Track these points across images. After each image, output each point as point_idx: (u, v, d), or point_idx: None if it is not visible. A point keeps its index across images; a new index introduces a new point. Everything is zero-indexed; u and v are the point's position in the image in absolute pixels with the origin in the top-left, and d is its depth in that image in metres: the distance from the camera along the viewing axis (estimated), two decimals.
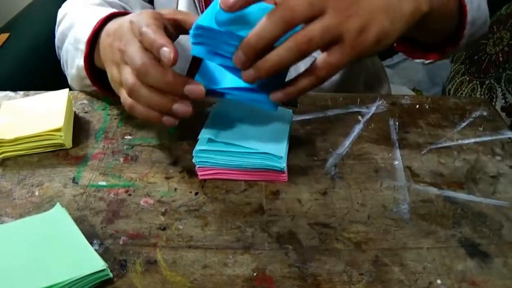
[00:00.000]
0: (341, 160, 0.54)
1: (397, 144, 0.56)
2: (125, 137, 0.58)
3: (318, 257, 0.44)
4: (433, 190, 0.50)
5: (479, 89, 1.29)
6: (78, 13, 0.66)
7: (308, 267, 0.43)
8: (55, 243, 0.43)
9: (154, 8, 0.77)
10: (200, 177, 0.52)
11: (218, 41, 0.43)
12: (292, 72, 0.47)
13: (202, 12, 0.73)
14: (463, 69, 1.38)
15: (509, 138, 0.57)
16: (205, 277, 0.42)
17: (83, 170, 0.53)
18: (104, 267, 0.40)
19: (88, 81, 0.61)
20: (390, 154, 0.55)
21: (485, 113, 0.61)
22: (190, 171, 0.52)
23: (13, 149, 0.54)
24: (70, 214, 0.46)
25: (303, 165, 0.53)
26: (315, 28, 0.41)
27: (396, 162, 0.54)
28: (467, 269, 0.42)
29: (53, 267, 0.40)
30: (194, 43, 0.44)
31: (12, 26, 1.10)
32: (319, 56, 0.43)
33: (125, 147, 0.57)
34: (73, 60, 0.62)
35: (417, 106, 0.63)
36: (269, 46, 0.41)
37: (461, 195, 0.50)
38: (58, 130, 0.54)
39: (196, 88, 0.45)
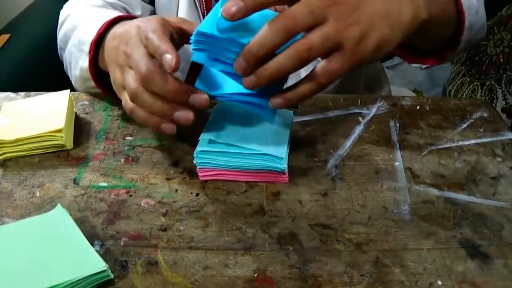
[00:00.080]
0: (341, 161, 0.54)
1: (397, 145, 0.56)
2: (126, 138, 0.58)
3: (318, 258, 0.44)
4: (434, 191, 0.50)
5: (479, 90, 1.29)
6: (81, 14, 0.66)
7: (308, 268, 0.43)
8: (56, 244, 0.43)
9: (154, 9, 0.78)
10: (201, 178, 0.52)
11: (219, 47, 0.43)
12: (294, 78, 0.47)
13: (202, 13, 0.73)
14: (464, 70, 1.38)
15: (510, 139, 0.57)
16: (206, 278, 0.42)
17: (84, 171, 0.53)
18: (105, 268, 0.40)
19: (91, 83, 0.61)
20: (391, 155, 0.55)
21: (485, 114, 0.61)
22: (191, 172, 0.53)
23: (14, 150, 0.55)
24: (71, 215, 0.46)
25: (304, 166, 0.53)
26: (316, 37, 0.41)
27: (397, 163, 0.54)
28: (467, 270, 0.42)
29: (54, 268, 0.40)
30: (195, 49, 0.44)
31: (12, 27, 1.10)
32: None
33: (126, 148, 0.57)
34: (76, 61, 0.62)
35: (418, 107, 0.63)
36: (270, 53, 0.42)
37: (461, 196, 0.50)
38: (59, 131, 0.54)
39: (200, 97, 0.46)
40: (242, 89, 0.45)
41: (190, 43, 0.44)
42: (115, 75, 0.51)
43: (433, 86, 1.49)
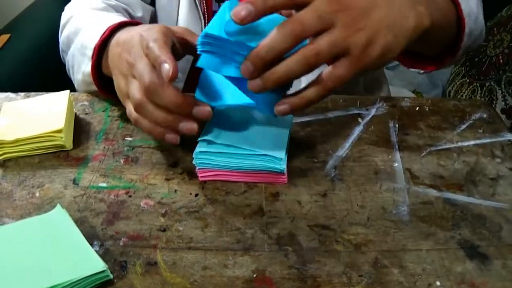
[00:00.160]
0: (341, 162, 0.54)
1: (396, 146, 0.56)
2: (126, 138, 0.58)
3: (317, 258, 0.44)
4: (433, 192, 0.50)
5: (479, 91, 1.29)
6: (84, 17, 0.66)
7: (307, 268, 0.43)
8: (55, 244, 0.43)
9: (155, 10, 0.78)
10: (200, 179, 0.52)
11: (227, 50, 0.43)
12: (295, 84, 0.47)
13: (203, 13, 0.74)
14: (463, 71, 1.38)
15: (509, 140, 0.57)
16: (205, 278, 0.42)
17: (84, 172, 0.54)
18: (104, 268, 0.40)
19: (94, 87, 0.61)
20: (390, 156, 0.55)
21: (485, 115, 0.62)
22: (190, 173, 0.53)
23: (14, 150, 0.55)
24: (70, 215, 0.46)
25: (303, 166, 0.54)
26: (324, 42, 0.42)
27: (396, 164, 0.54)
28: (466, 271, 0.42)
29: (53, 268, 0.40)
30: (201, 51, 0.44)
31: (13, 27, 1.10)
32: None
33: (125, 148, 0.57)
34: (79, 65, 0.62)
35: (417, 108, 0.63)
36: (278, 58, 0.42)
37: (460, 197, 0.50)
38: (59, 131, 0.54)
39: (203, 109, 0.47)
40: (243, 100, 0.46)
41: (192, 54, 0.44)
42: (119, 83, 0.52)
43: (433, 87, 1.49)
